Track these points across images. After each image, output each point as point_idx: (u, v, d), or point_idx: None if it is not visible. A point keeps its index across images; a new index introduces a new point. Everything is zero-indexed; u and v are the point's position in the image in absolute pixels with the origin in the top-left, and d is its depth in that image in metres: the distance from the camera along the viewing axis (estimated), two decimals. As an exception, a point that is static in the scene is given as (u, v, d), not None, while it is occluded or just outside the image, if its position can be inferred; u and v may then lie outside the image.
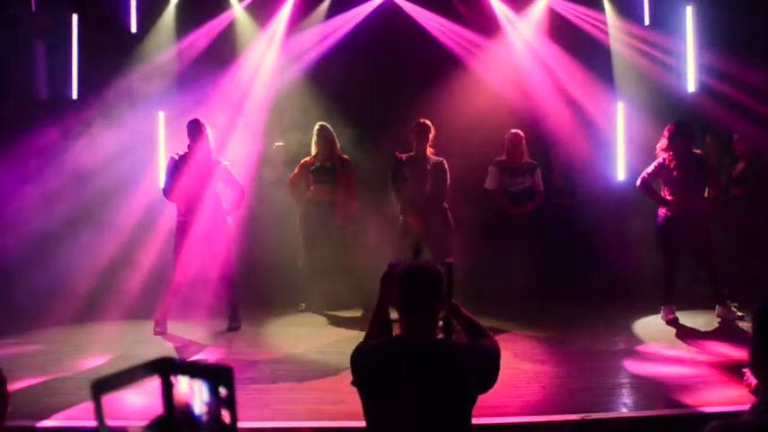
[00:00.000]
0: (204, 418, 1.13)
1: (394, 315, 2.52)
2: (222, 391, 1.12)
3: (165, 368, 1.13)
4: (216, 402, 1.12)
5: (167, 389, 1.13)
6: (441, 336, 2.57)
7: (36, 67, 7.72)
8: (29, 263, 6.50)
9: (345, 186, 6.40)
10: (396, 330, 2.52)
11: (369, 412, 2.36)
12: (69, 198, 6.93)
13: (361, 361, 2.41)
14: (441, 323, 2.58)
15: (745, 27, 7.49)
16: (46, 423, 3.69)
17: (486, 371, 2.37)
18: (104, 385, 1.11)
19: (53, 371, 4.74)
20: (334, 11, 7.75)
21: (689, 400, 3.91)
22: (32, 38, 7.66)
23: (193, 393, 1.14)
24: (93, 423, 3.60)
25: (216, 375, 1.13)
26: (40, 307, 6.09)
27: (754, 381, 2.12)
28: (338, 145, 6.50)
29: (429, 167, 5.99)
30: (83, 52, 7.79)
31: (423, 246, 2.73)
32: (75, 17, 7.84)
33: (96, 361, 5.00)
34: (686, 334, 5.52)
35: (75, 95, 7.87)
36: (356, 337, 5.60)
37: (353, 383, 2.40)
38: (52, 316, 5.94)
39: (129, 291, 6.31)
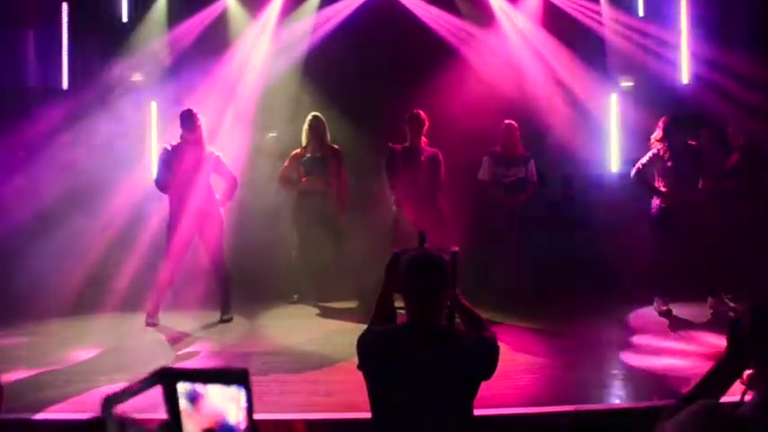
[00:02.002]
0: (242, 425, 1.09)
1: (398, 303, 2.55)
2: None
3: (170, 377, 1.10)
4: (250, 406, 1.09)
5: (171, 397, 1.09)
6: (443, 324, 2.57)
7: (26, 56, 7.65)
8: (18, 253, 6.44)
9: (337, 177, 6.38)
10: (401, 319, 2.55)
11: (373, 397, 2.39)
12: (59, 188, 6.87)
13: (367, 346, 2.44)
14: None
15: (739, 18, 7.50)
16: (40, 416, 3.66)
17: (487, 358, 2.41)
18: (115, 400, 1.08)
19: (44, 363, 4.70)
20: (327, 0, 7.69)
21: (683, 390, 3.90)
22: (22, 26, 7.58)
23: (229, 402, 1.09)
24: (86, 415, 3.55)
25: (233, 378, 1.09)
26: (30, 298, 6.04)
27: (745, 372, 2.11)
28: (329, 135, 6.46)
29: (423, 158, 5.97)
30: (73, 41, 7.72)
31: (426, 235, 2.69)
32: (64, 5, 7.76)
33: (87, 353, 4.97)
34: (679, 325, 5.53)
35: (65, 85, 7.81)
36: (350, 328, 5.63)
37: (359, 367, 2.44)
38: (42, 307, 5.90)
39: (120, 282, 6.27)
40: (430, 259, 2.42)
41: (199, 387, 1.09)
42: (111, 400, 1.09)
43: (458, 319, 2.63)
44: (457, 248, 2.62)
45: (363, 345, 2.45)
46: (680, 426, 1.61)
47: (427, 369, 2.30)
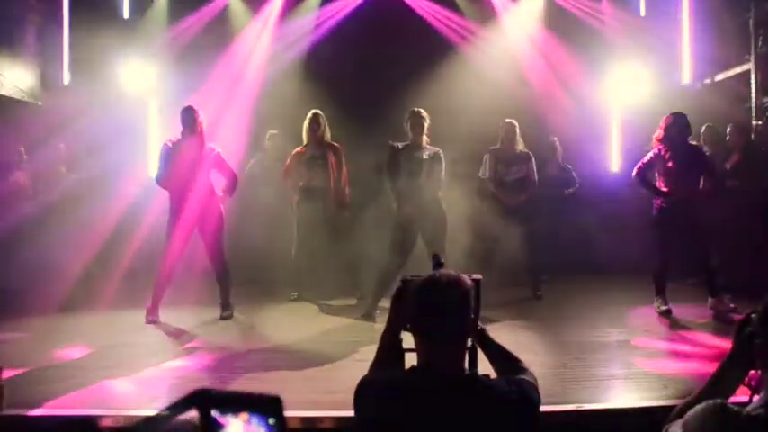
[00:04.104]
0: None
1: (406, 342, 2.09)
2: (272, 422, 1.03)
3: (203, 401, 1.02)
4: None
5: (205, 422, 1.02)
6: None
7: (27, 52, 7.65)
8: (17, 249, 6.44)
9: (337, 174, 6.39)
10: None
11: None
12: (59, 184, 6.87)
13: (368, 398, 1.91)
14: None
15: (740, 18, 7.48)
16: (38, 412, 3.65)
17: (527, 409, 1.90)
18: (151, 428, 1.04)
19: (44, 359, 4.69)
20: (329, -3, 7.70)
21: (682, 390, 3.91)
22: (23, 23, 7.58)
23: None
24: (84, 411, 3.53)
25: (265, 407, 1.03)
26: (29, 293, 6.03)
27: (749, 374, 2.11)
28: (329, 133, 6.47)
29: (425, 156, 5.96)
30: (73, 37, 7.71)
31: (443, 258, 2.17)
32: (65, 2, 7.77)
33: (88, 349, 4.96)
34: (679, 325, 5.53)
35: (66, 81, 7.81)
36: (349, 326, 5.64)
37: (356, 426, 1.93)
38: (41, 303, 5.89)
39: (120, 278, 6.26)
40: (449, 285, 1.88)
41: (221, 418, 1.02)
42: (146, 428, 1.05)
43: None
44: (479, 276, 2.12)
45: (363, 397, 1.92)
46: (688, 424, 1.61)
47: (449, 427, 1.79)
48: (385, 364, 2.09)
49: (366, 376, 2.01)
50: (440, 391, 1.81)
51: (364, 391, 1.93)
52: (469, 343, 2.04)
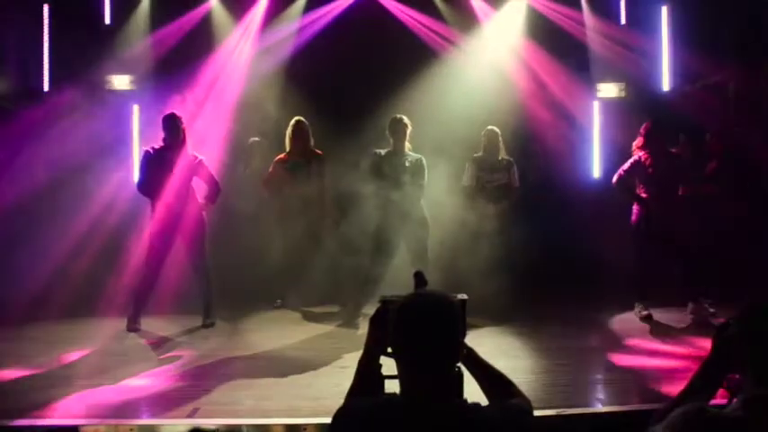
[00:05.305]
0: None
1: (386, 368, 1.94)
2: None
3: None
4: None
5: None
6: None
7: (7, 58, 7.58)
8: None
9: (320, 181, 6.39)
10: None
11: None
12: (40, 192, 6.80)
13: (346, 428, 1.75)
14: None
15: (719, 27, 7.60)
16: (20, 422, 3.61)
17: None
18: None
19: (24, 367, 4.65)
20: (311, 4, 7.70)
21: (663, 395, 3.95)
22: (3, 28, 7.51)
23: None
24: (67, 421, 3.51)
25: None
26: (10, 301, 5.96)
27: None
28: (312, 140, 6.48)
29: (407, 163, 5.98)
30: (55, 43, 7.66)
31: (425, 277, 1.97)
32: (46, 7, 7.71)
33: (69, 358, 4.92)
34: (660, 330, 5.59)
35: (46, 87, 7.75)
36: (332, 332, 5.65)
37: None
38: (22, 311, 5.83)
39: (101, 286, 6.21)
40: (435, 305, 1.73)
41: None
42: None
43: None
44: (465, 296, 1.98)
45: (340, 428, 1.75)
46: (669, 427, 1.64)
47: None
48: (363, 392, 1.89)
49: (343, 406, 1.83)
50: (425, 422, 1.64)
51: (341, 422, 1.75)
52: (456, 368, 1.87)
